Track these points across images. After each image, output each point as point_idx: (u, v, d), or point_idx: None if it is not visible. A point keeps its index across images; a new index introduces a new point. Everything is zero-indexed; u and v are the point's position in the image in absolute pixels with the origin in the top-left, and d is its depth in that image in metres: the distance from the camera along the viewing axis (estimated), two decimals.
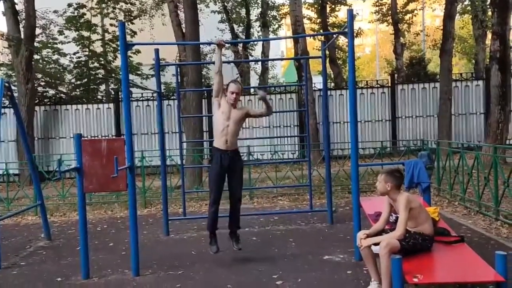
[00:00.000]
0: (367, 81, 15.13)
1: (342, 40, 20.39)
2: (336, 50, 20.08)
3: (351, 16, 4.86)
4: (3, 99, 5.87)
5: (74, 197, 8.67)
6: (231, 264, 5.11)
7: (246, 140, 11.63)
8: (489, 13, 13.48)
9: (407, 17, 20.40)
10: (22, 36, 12.78)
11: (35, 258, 5.80)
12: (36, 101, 13.82)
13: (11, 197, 9.08)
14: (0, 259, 5.46)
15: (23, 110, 12.26)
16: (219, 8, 19.19)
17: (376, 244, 3.73)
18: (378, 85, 14.68)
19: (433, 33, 22.28)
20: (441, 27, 13.94)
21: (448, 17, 13.35)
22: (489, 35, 12.91)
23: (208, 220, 5.15)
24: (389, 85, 14.60)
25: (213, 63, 5.23)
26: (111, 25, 16.47)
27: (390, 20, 19.34)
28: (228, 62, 14.32)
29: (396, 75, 15.86)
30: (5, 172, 9.48)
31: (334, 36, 12.60)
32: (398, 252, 3.61)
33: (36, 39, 14.35)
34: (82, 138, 4.88)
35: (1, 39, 14.36)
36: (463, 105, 14.33)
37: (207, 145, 13.44)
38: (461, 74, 15.10)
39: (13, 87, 8.36)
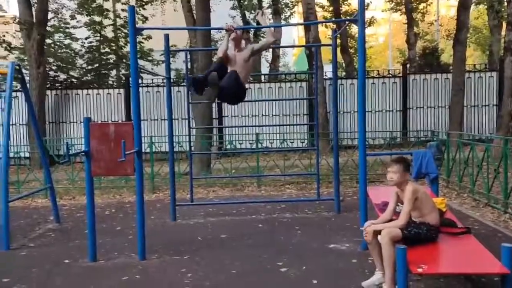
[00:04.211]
0: (378, 71, 14.97)
1: (355, 29, 20.16)
2: (348, 39, 19.85)
3: (362, 3, 4.79)
4: (14, 82, 5.93)
5: (83, 181, 8.72)
6: (236, 250, 5.13)
7: (255, 127, 11.64)
8: (505, 3, 13.17)
9: (421, 6, 20.07)
10: (34, 20, 12.83)
11: (43, 240, 5.90)
12: (47, 85, 13.91)
13: (22, 179, 9.20)
14: (9, 240, 5.54)
15: (35, 94, 12.35)
16: None
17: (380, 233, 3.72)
18: (390, 75, 14.53)
19: (447, 23, 21.93)
20: (456, 17, 13.69)
21: (463, 7, 13.06)
22: (505, 26, 12.62)
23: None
24: (401, 75, 14.45)
25: None
26: (122, 10, 16.46)
27: (404, 9, 19.06)
28: None
29: (408, 65, 15.66)
30: (16, 155, 9.59)
31: (345, 24, 12.45)
32: (401, 241, 3.60)
33: (48, 23, 14.39)
34: (92, 123, 4.90)
35: (13, 22, 14.43)
36: (476, 97, 14.13)
37: (216, 132, 13.47)
38: (474, 65, 14.86)
39: (24, 71, 8.42)
